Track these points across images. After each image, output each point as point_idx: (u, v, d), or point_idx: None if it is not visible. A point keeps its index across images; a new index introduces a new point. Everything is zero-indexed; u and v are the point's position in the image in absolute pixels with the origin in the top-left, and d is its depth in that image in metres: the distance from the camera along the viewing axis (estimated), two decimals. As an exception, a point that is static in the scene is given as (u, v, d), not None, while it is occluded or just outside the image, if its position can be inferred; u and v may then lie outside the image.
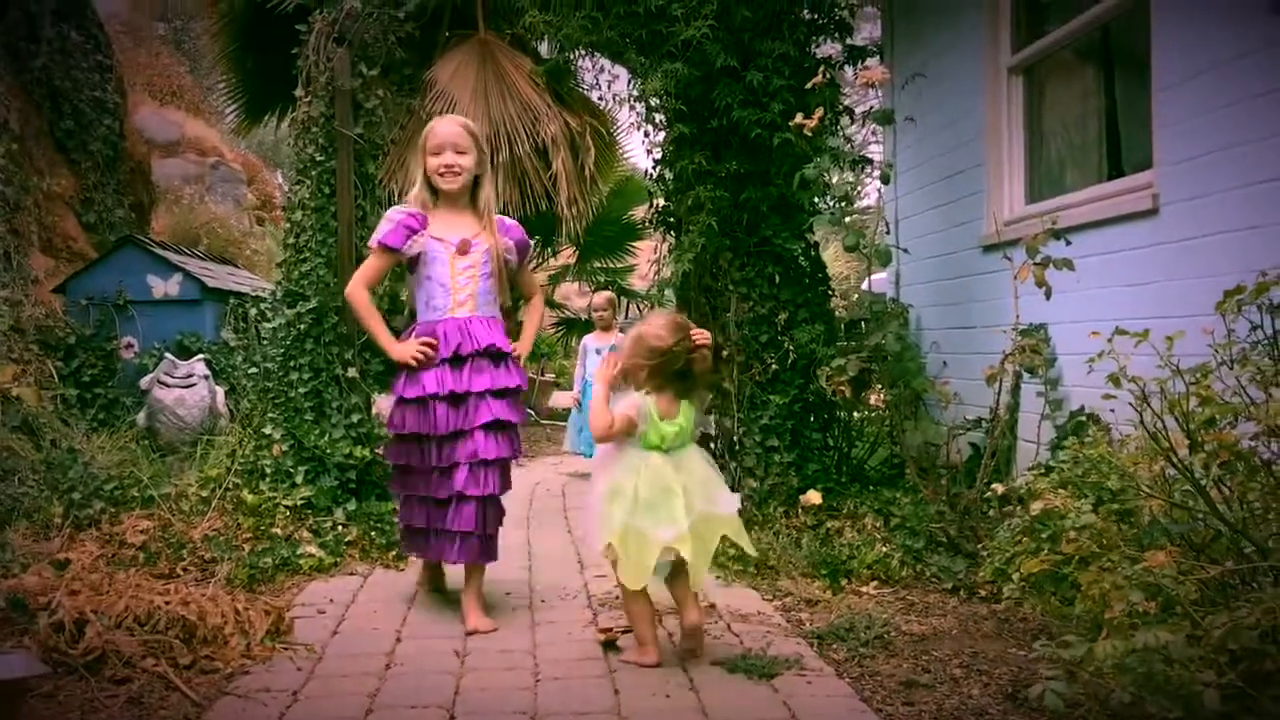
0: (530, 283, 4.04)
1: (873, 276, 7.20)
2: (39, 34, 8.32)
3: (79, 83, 8.77)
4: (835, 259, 10.48)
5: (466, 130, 3.63)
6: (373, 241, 3.67)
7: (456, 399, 3.53)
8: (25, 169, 7.64)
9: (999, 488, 3.31)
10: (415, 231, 3.59)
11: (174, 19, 20.83)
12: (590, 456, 6.67)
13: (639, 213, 10.65)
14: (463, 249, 3.59)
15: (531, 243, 4.00)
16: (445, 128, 3.62)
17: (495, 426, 3.52)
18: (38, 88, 8.35)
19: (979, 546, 3.77)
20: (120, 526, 4.44)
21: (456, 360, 3.54)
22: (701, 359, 3.10)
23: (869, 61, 5.16)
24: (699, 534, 3.01)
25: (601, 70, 5.70)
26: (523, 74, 8.74)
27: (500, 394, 3.57)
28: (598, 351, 7.15)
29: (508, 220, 3.81)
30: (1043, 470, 2.68)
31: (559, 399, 12.46)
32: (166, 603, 3.17)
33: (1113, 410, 2.68)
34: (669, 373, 3.07)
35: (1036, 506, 2.38)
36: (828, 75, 4.65)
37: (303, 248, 5.23)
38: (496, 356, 3.61)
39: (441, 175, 3.58)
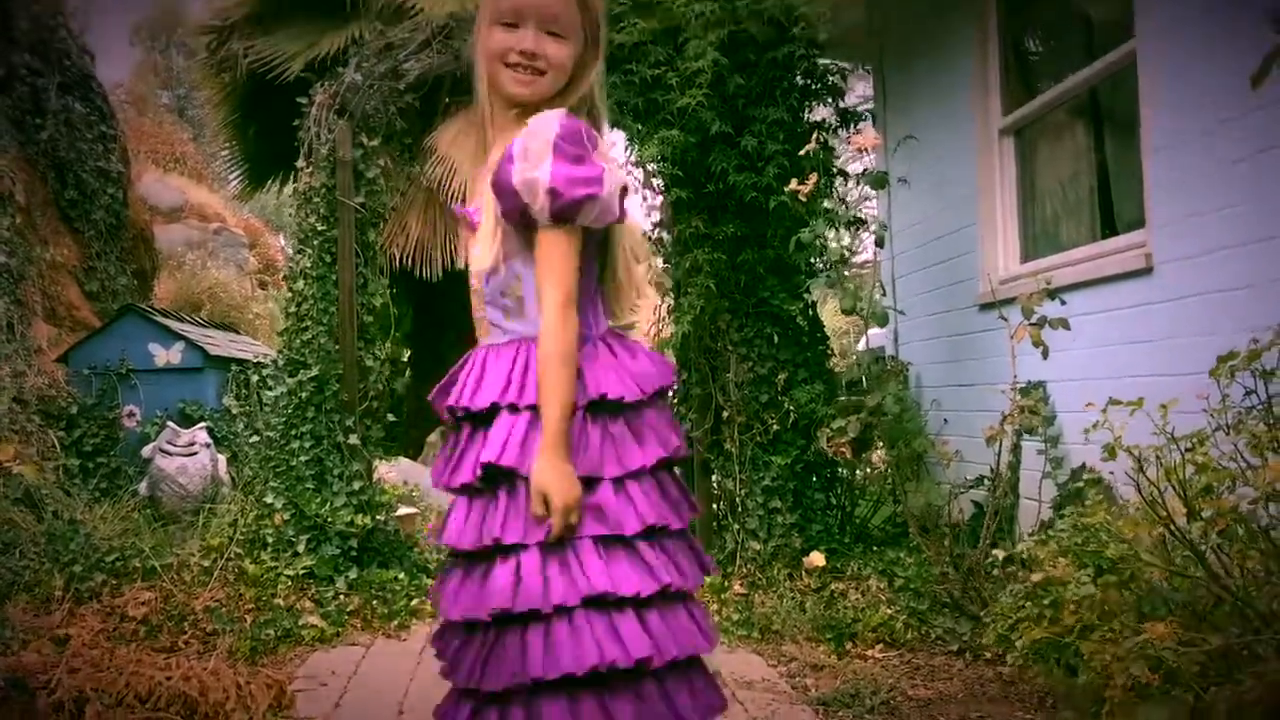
0: (538, 276, 1.83)
1: (870, 333, 7.24)
2: (44, 107, 8.44)
3: (83, 153, 8.87)
4: (834, 314, 10.52)
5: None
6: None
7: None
8: (29, 240, 7.71)
9: (1000, 553, 3.31)
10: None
11: (177, 87, 21.11)
12: None
13: (640, 268, 10.72)
14: (465, 220, 1.99)
15: (529, 170, 1.80)
16: None
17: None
18: (42, 159, 8.44)
19: (984, 609, 3.75)
20: (121, 598, 4.43)
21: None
22: None
23: (861, 125, 5.23)
24: None
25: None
26: (522, 138, 8.83)
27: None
28: None
29: (521, 133, 1.83)
30: (1042, 538, 2.68)
31: None
32: (167, 679, 3.16)
33: (1112, 472, 2.69)
34: None
35: (1037, 576, 2.38)
36: (821, 140, 4.71)
37: (304, 316, 5.26)
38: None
39: (510, 69, 1.88)
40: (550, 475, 1.72)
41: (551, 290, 1.78)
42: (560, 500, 1.70)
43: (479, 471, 1.79)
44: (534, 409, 1.79)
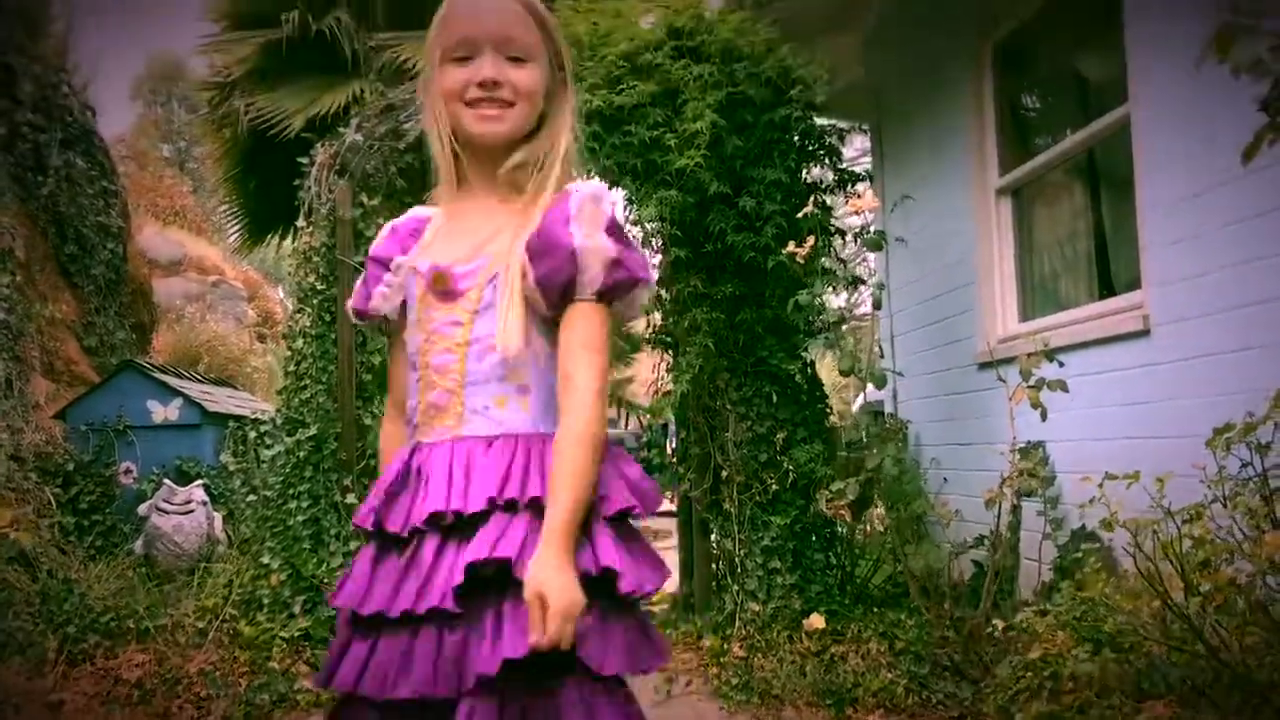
0: (570, 350, 1.58)
1: (869, 389, 7.24)
2: (46, 163, 8.49)
3: (83, 209, 8.92)
4: (832, 370, 10.53)
5: (526, 6, 1.66)
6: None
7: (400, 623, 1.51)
8: (29, 296, 7.73)
9: (999, 624, 3.29)
10: (385, 262, 1.74)
11: (178, 141, 21.27)
12: None
13: (638, 324, 10.75)
14: (439, 284, 1.64)
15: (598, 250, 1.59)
16: (479, 4, 1.65)
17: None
18: (43, 214, 8.48)
19: (985, 674, 3.72)
20: (116, 661, 4.39)
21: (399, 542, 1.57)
22: None
23: (859, 186, 5.26)
24: None
25: (599, 196, 5.81)
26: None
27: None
28: None
29: (576, 195, 1.61)
30: (1041, 609, 2.66)
31: None
32: (161, 748, 3.12)
33: (1111, 540, 2.68)
34: None
35: (1035, 651, 2.37)
36: (819, 202, 4.74)
37: (303, 375, 5.26)
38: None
39: (472, 107, 1.62)
40: (552, 573, 1.42)
41: (589, 371, 1.53)
42: (561, 604, 1.41)
43: (459, 580, 1.46)
44: (536, 507, 1.50)
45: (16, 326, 7.20)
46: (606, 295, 1.57)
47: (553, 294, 1.56)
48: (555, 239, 1.55)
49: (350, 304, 1.80)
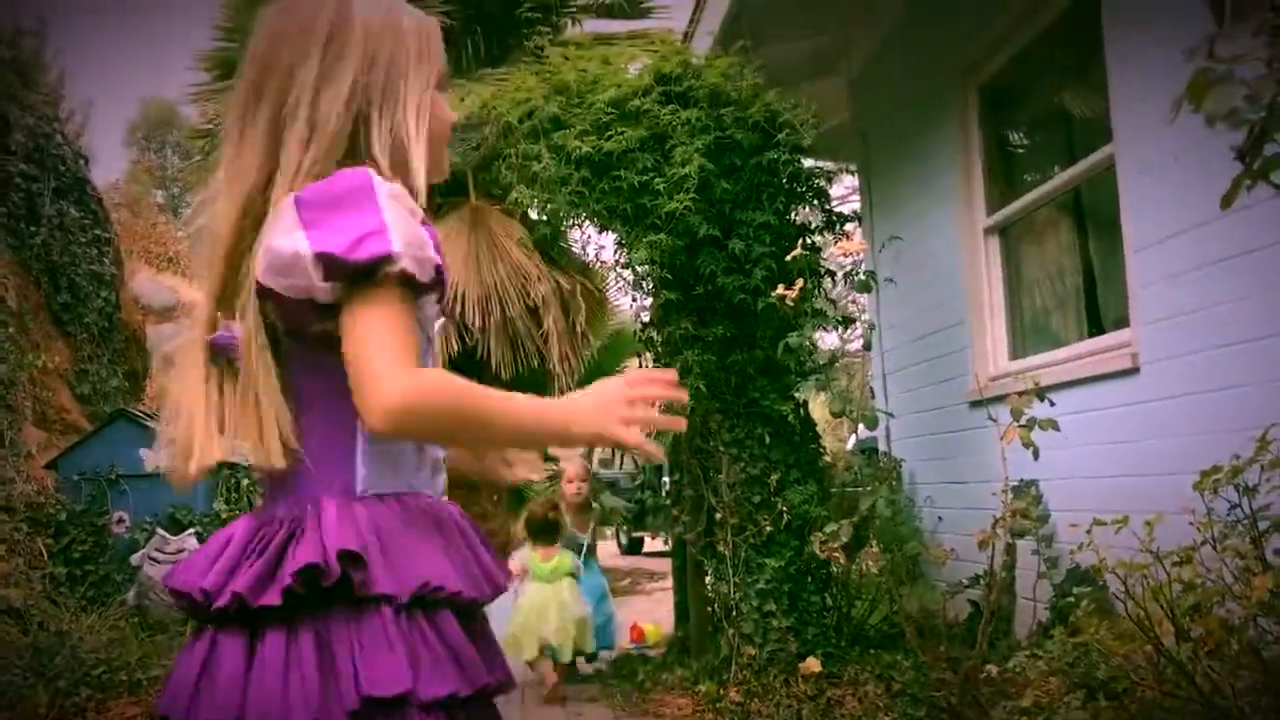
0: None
1: (862, 428, 7.24)
2: (39, 213, 8.53)
3: (76, 257, 8.96)
4: (825, 409, 10.54)
5: None
6: (396, 258, 1.25)
7: None
8: (21, 345, 7.73)
9: (994, 669, 3.27)
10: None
11: (171, 187, 21.36)
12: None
13: (631, 365, 10.79)
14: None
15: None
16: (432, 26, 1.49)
17: None
18: (36, 263, 8.51)
19: (981, 716, 3.70)
20: (108, 714, 4.37)
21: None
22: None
23: (848, 226, 5.29)
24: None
25: (589, 240, 5.86)
26: (513, 239, 8.94)
27: None
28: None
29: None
30: (1034, 653, 2.66)
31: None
32: (152, 805, 3.09)
33: (1104, 583, 2.68)
34: (536, 531, 5.53)
35: (1027, 698, 2.36)
36: (808, 244, 4.76)
37: (295, 422, 5.25)
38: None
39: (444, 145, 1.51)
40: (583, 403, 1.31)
41: None
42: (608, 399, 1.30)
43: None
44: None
45: (8, 376, 7.20)
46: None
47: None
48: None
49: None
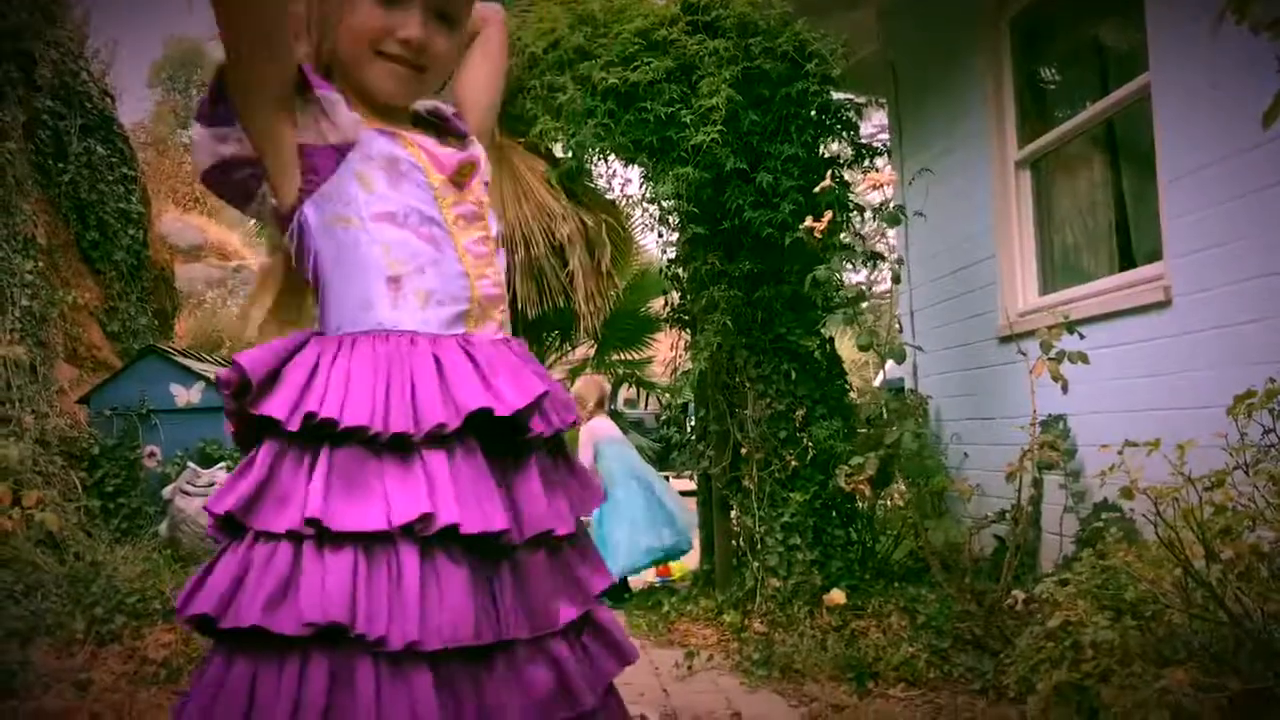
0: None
1: (889, 365, 7.21)
2: (66, 150, 8.54)
3: (104, 195, 8.97)
4: (851, 347, 10.52)
5: None
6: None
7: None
8: (52, 282, 7.78)
9: (1019, 595, 3.28)
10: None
11: (197, 126, 21.26)
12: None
13: (656, 304, 10.75)
14: (462, 174, 1.49)
15: None
16: None
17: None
18: (64, 201, 8.53)
19: (1006, 647, 3.71)
20: (142, 641, 4.43)
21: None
22: None
23: (877, 160, 5.23)
24: None
25: (614, 174, 5.82)
26: (538, 176, 8.89)
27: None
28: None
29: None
30: (1061, 579, 2.65)
31: None
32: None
33: (1132, 509, 2.67)
34: None
35: (1055, 619, 2.36)
36: (836, 176, 4.71)
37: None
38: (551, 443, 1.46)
39: (389, 60, 1.42)
40: None
41: None
42: None
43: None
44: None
45: (40, 312, 7.26)
46: None
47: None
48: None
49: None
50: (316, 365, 1.34)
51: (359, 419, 1.28)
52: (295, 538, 1.26)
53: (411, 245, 1.40)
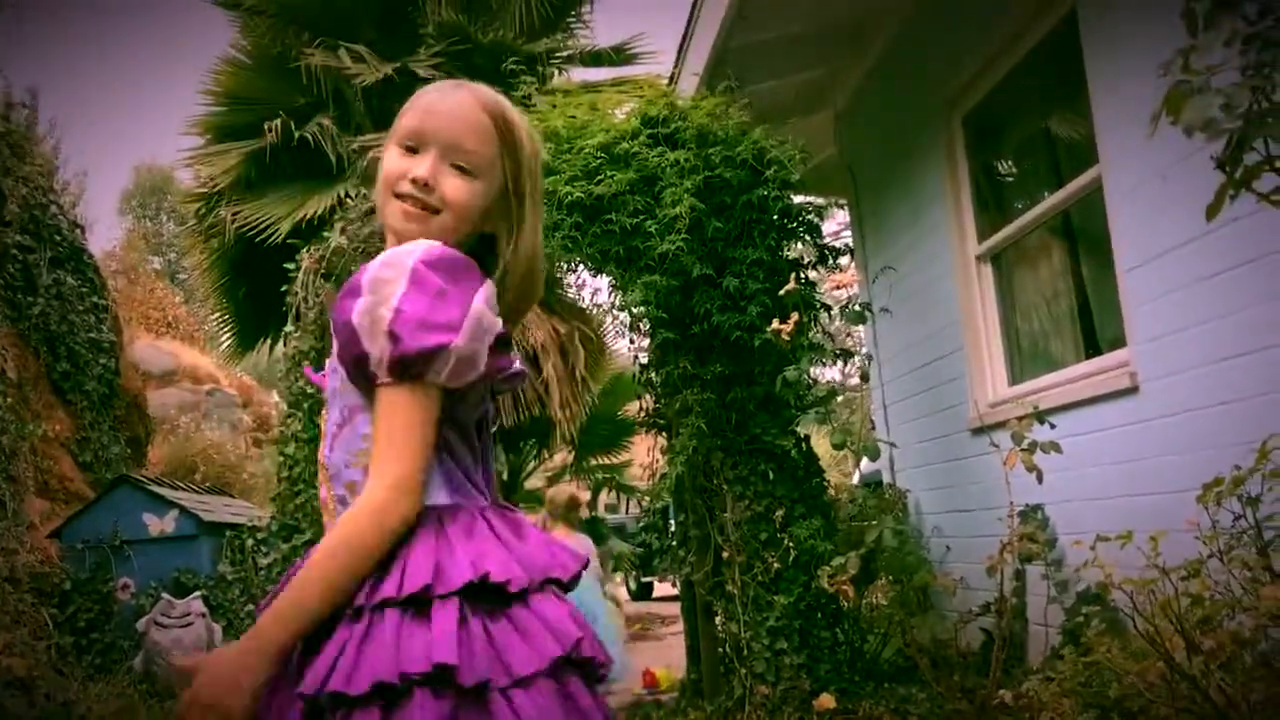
0: (375, 438, 1.42)
1: (865, 462, 7.21)
2: (36, 283, 8.56)
3: (75, 325, 8.98)
4: (828, 441, 10.52)
5: (487, 111, 1.57)
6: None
7: None
8: (22, 415, 7.73)
9: (1006, 694, 3.24)
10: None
11: (167, 253, 21.44)
12: None
13: (632, 408, 10.78)
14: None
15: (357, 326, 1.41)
16: (442, 102, 1.57)
17: None
18: (35, 333, 8.53)
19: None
20: (117, 784, 4.31)
21: None
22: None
23: (841, 260, 5.31)
24: None
25: (584, 284, 5.88)
26: (508, 287, 8.96)
27: None
28: None
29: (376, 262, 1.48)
30: (1047, 676, 2.63)
31: None
32: None
33: (1114, 600, 2.66)
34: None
35: (1043, 718, 2.33)
36: (801, 279, 4.77)
37: (296, 480, 5.26)
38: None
39: (399, 200, 1.53)
40: (220, 663, 1.30)
41: (377, 472, 1.37)
42: (200, 694, 1.28)
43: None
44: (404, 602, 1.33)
45: (10, 446, 7.19)
46: (402, 373, 1.37)
47: (349, 374, 1.43)
48: (338, 313, 1.41)
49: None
50: None
51: None
52: None
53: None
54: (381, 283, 1.39)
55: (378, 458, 1.38)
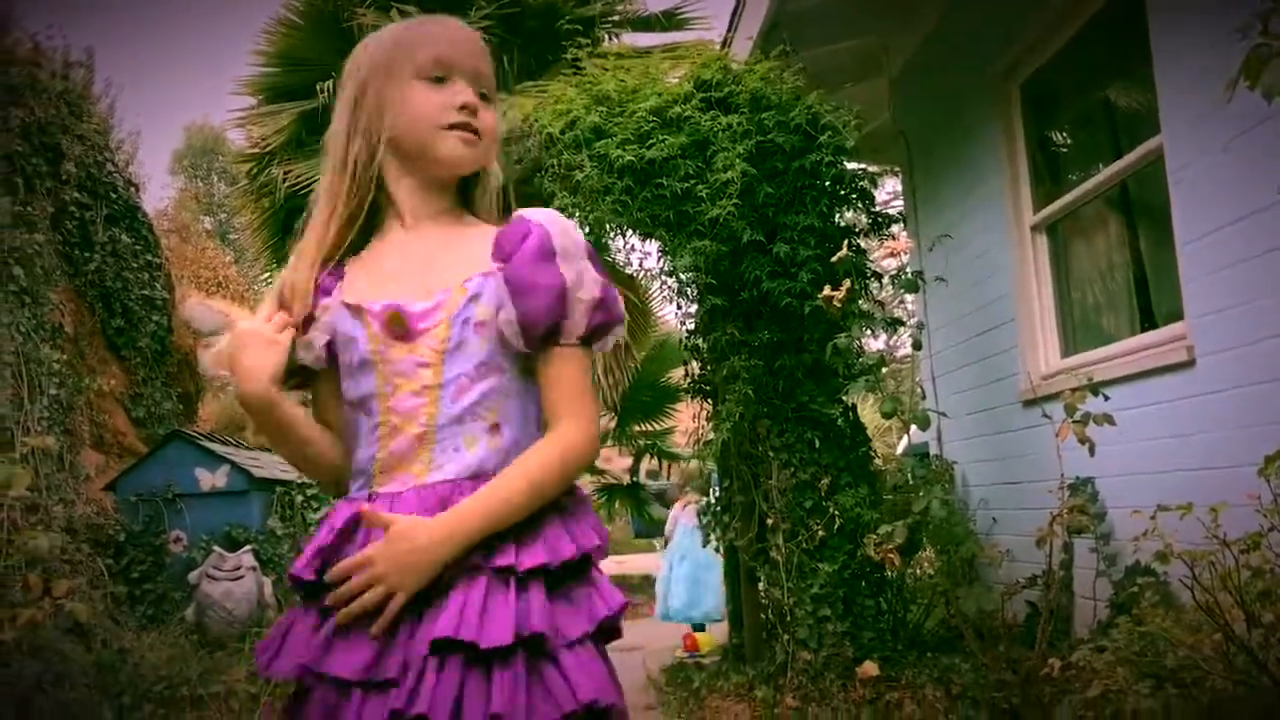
0: (557, 392, 1.50)
1: (914, 431, 7.18)
2: (92, 239, 8.69)
3: (129, 282, 9.11)
4: (874, 412, 10.47)
5: (484, 43, 1.63)
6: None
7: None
8: (78, 370, 7.87)
9: (1055, 662, 3.22)
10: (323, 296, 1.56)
11: (218, 213, 21.66)
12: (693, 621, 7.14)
13: (676, 375, 10.78)
14: (396, 324, 1.47)
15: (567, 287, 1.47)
16: (457, 31, 1.58)
17: None
18: (90, 290, 8.67)
19: (1043, 716, 3.64)
20: (170, 730, 4.42)
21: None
22: None
23: (893, 228, 5.27)
24: None
25: (632, 249, 5.87)
26: (555, 251, 8.96)
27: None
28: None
29: (551, 227, 1.49)
30: (1099, 646, 2.61)
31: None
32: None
33: (1166, 572, 2.64)
34: None
35: (1095, 688, 2.32)
36: (853, 246, 4.74)
37: (347, 437, 5.30)
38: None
39: (457, 129, 1.51)
40: (417, 531, 1.37)
41: (577, 424, 1.47)
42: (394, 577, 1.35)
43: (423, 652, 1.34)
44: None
45: (66, 400, 7.33)
46: (589, 339, 1.50)
47: (534, 335, 1.45)
48: (540, 277, 1.44)
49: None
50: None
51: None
52: None
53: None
54: (573, 253, 1.47)
55: (568, 409, 1.47)
